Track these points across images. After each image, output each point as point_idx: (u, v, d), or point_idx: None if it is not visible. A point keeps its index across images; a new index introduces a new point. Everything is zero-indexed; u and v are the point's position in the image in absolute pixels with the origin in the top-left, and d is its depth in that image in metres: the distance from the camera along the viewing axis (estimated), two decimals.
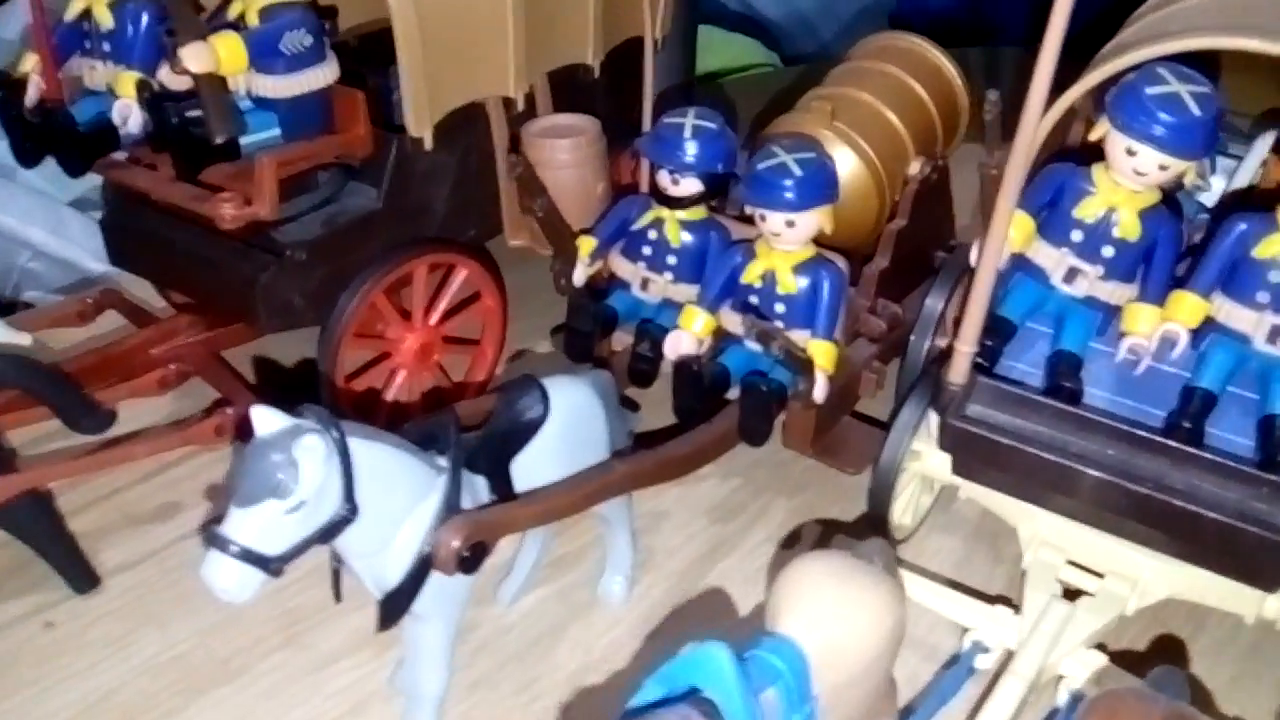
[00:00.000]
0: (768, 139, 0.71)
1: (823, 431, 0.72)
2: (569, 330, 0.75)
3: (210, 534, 0.48)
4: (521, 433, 0.59)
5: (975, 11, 1.82)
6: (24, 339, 0.79)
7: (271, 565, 0.48)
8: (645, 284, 0.76)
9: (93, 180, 1.44)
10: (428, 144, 0.77)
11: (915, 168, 0.80)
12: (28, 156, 0.73)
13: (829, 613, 0.47)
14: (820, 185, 0.68)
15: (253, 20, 0.68)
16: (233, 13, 0.69)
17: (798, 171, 0.67)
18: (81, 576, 0.70)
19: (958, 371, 0.60)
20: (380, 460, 0.51)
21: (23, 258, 1.32)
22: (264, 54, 0.67)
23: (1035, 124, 0.53)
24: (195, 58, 0.63)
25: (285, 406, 0.49)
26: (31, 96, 0.73)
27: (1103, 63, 0.57)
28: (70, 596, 0.70)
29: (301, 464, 0.47)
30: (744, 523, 0.77)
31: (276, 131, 0.70)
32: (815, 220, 0.69)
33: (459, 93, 0.79)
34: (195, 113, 0.67)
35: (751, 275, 0.71)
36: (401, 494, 0.53)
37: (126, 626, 0.68)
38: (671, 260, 0.75)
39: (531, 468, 0.60)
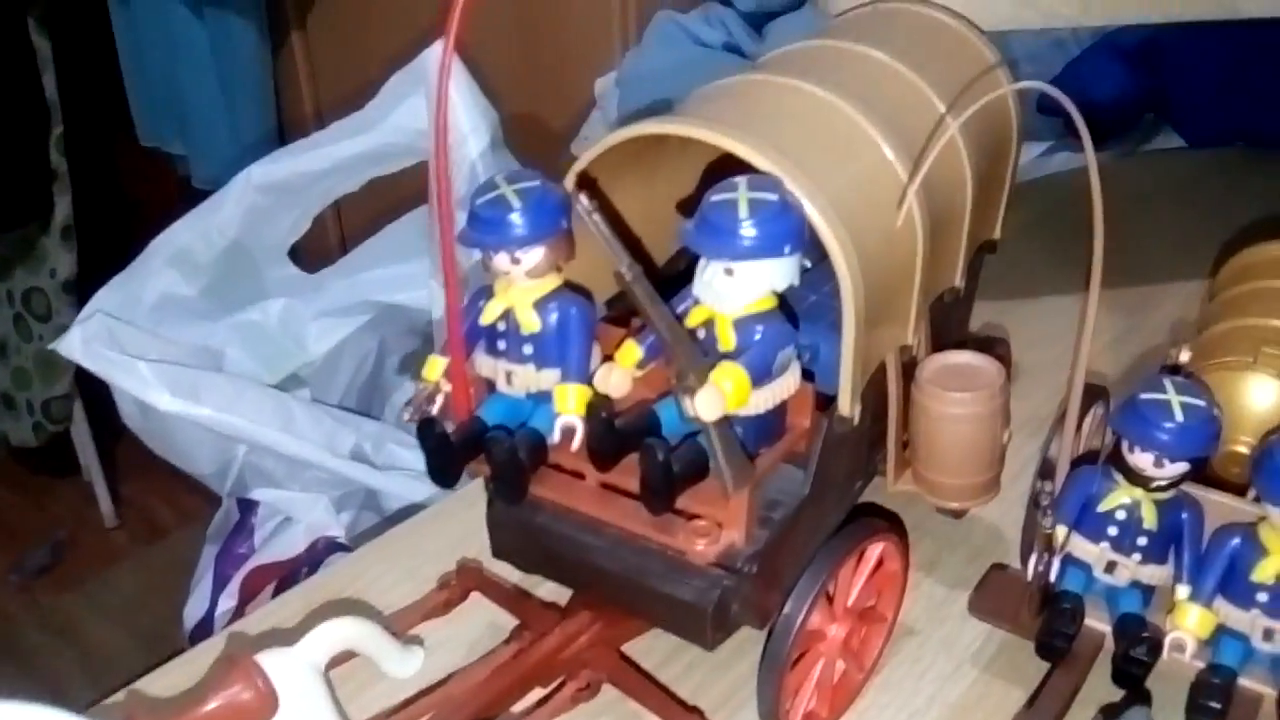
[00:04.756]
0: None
1: None
2: (1048, 632, 0.68)
3: None
4: None
5: (1145, 102, 1.74)
6: (417, 657, 0.73)
7: None
8: (1111, 567, 0.70)
9: (301, 358, 1.41)
10: (855, 420, 0.70)
11: None
12: (447, 477, 0.66)
13: None
14: None
15: (727, 337, 0.61)
16: (696, 319, 0.62)
17: None
18: None
19: None
20: None
21: (240, 451, 1.26)
22: (758, 379, 0.60)
23: None
24: (711, 407, 0.56)
25: None
26: (435, 409, 0.67)
27: None
28: None
29: None
30: None
31: None
32: None
33: (876, 357, 0.72)
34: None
35: (1265, 573, 0.64)
36: None
37: None
38: (1142, 541, 0.69)
39: None
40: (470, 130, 1.16)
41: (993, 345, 0.88)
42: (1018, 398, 0.81)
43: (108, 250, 1.61)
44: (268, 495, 1.24)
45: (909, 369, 0.78)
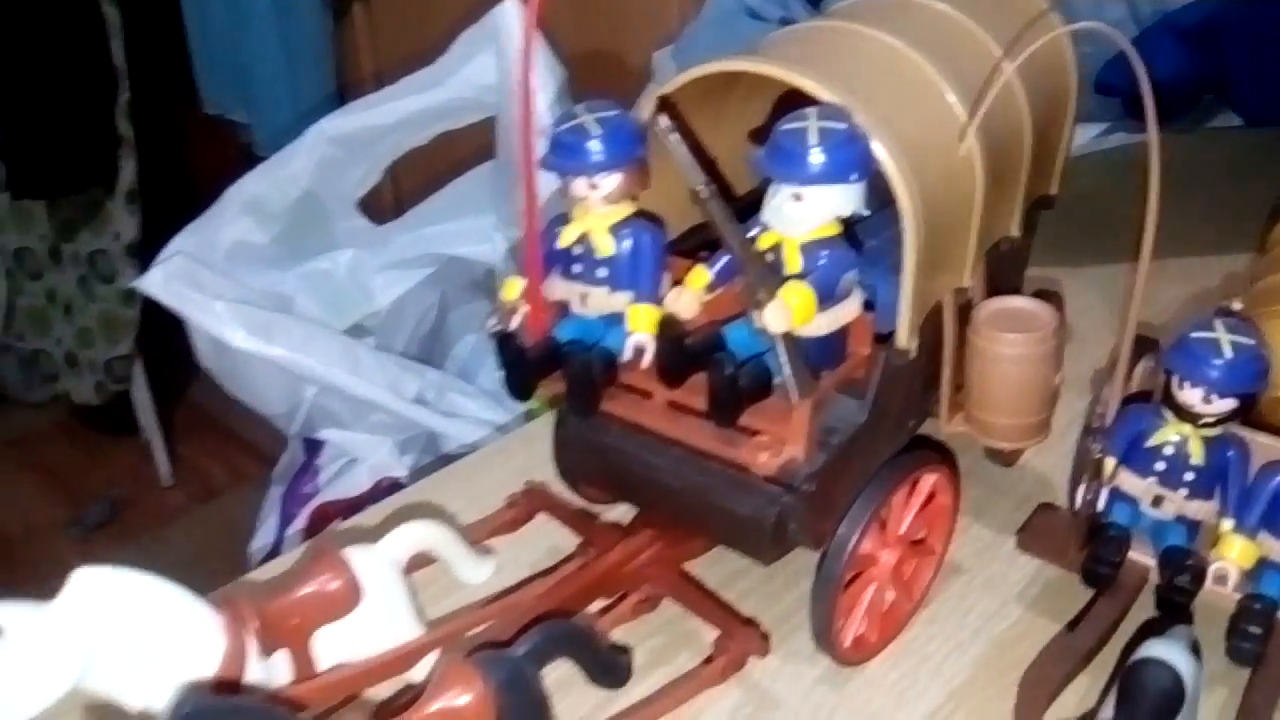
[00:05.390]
0: None
1: None
2: (1094, 559, 0.71)
3: None
4: None
5: (1204, 83, 1.74)
6: (489, 565, 0.77)
7: None
8: (1158, 501, 0.72)
9: (367, 308, 1.45)
10: (912, 353, 0.73)
11: None
12: (523, 390, 0.70)
13: None
14: None
15: (794, 260, 0.64)
16: (764, 243, 0.65)
17: None
18: None
19: None
20: None
21: (309, 392, 1.30)
22: (823, 300, 0.63)
23: None
24: (779, 319, 0.59)
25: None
26: (514, 325, 0.70)
27: None
28: None
29: None
30: None
31: None
32: None
33: (934, 294, 0.75)
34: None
35: None
36: None
37: None
38: (1189, 477, 0.71)
39: None
40: (540, 85, 1.20)
41: (1046, 297, 0.90)
42: (1068, 359, 0.83)
43: (170, 215, 1.66)
44: (334, 436, 1.29)
45: (964, 312, 0.80)
